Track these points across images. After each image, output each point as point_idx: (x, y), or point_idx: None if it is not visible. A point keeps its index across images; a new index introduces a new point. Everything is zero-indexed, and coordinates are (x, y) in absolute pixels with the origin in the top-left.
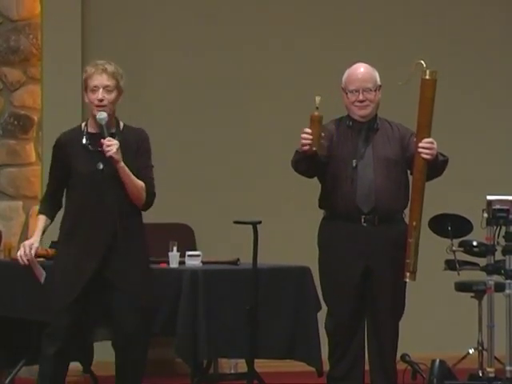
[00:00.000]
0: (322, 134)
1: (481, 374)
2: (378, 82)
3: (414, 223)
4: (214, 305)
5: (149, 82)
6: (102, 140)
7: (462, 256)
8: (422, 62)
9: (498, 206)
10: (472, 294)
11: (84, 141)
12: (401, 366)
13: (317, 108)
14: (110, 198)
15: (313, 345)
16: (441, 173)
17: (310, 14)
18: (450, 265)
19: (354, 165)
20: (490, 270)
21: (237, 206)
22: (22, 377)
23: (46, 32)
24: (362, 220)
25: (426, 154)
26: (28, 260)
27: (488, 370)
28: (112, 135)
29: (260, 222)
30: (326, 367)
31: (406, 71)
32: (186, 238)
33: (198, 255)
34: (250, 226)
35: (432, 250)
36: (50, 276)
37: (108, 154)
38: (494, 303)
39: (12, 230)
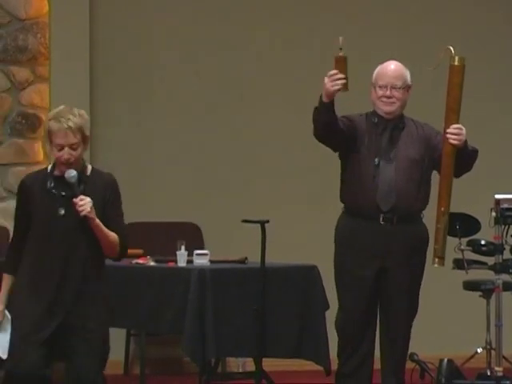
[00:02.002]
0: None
1: (489, 373)
2: (408, 82)
3: (443, 209)
4: (222, 304)
5: (156, 82)
6: (74, 199)
7: (470, 255)
8: (451, 47)
9: (506, 205)
10: (480, 293)
11: (48, 184)
12: (409, 365)
13: (340, 49)
14: (72, 245)
15: (321, 344)
16: (471, 164)
17: (324, 9)
18: (458, 264)
19: (377, 163)
20: (498, 268)
21: (245, 205)
22: None
23: (54, 31)
24: (381, 219)
25: (454, 139)
26: None
27: (496, 369)
28: (79, 180)
29: (268, 221)
30: (334, 366)
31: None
32: (193, 237)
33: (205, 254)
34: (258, 225)
35: None
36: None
37: (82, 213)
38: (502, 302)
39: None
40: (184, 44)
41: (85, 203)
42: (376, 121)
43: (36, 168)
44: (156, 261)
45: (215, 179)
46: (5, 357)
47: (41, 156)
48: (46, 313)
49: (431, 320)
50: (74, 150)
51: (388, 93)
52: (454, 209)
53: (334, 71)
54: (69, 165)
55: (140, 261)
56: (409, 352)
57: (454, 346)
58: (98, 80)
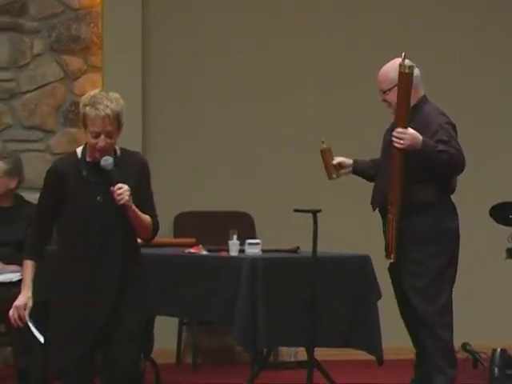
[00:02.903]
0: (334, 162)
1: None
2: (392, 82)
3: (389, 207)
4: (274, 293)
5: (208, 70)
6: (112, 188)
7: None
8: (403, 53)
9: None
10: None
11: (83, 171)
12: (462, 355)
13: (322, 142)
14: (110, 232)
15: (373, 333)
16: (440, 164)
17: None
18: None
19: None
20: None
21: (297, 194)
22: None
23: (107, 20)
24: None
25: (397, 142)
26: (23, 323)
27: None
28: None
29: (320, 211)
30: (386, 356)
31: None
32: (246, 227)
33: (257, 243)
34: (310, 215)
35: (493, 238)
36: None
37: (120, 202)
38: None
39: None
40: (235, 34)
41: (123, 192)
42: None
43: None
44: (208, 250)
45: (268, 168)
46: (42, 341)
47: None
48: (87, 310)
49: (484, 310)
50: (110, 137)
51: (381, 98)
52: (507, 198)
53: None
54: (104, 152)
55: (192, 250)
56: (462, 342)
57: (508, 335)
58: (150, 69)
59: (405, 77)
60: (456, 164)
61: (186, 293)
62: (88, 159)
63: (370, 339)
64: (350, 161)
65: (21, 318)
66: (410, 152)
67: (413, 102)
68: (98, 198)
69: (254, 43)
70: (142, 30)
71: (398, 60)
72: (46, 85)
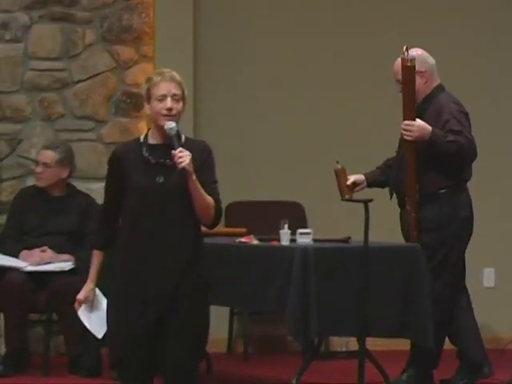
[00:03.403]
0: (348, 183)
1: None
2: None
3: (406, 198)
4: (325, 282)
5: (259, 59)
6: (173, 151)
7: None
8: (404, 47)
9: None
10: None
11: (144, 152)
12: None
13: (337, 162)
14: (171, 214)
15: (424, 323)
16: (457, 155)
17: None
18: None
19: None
20: None
21: None
22: None
23: (159, 10)
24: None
25: (405, 135)
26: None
27: None
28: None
29: (371, 200)
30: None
31: None
32: (297, 216)
33: (309, 233)
34: (362, 204)
35: None
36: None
37: (181, 165)
38: None
39: None
40: (287, 23)
41: (184, 155)
42: None
43: None
44: (259, 239)
45: (319, 158)
46: (99, 336)
47: None
48: (144, 295)
49: None
50: (176, 101)
51: (397, 88)
52: None
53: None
54: (170, 117)
55: (243, 239)
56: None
57: None
58: (202, 59)
59: (408, 69)
60: (466, 154)
61: (237, 282)
62: (150, 142)
63: (421, 329)
64: (362, 177)
65: (83, 314)
66: (420, 143)
67: (427, 91)
68: (158, 178)
69: (307, 31)
70: (194, 20)
71: (414, 50)
72: (97, 74)
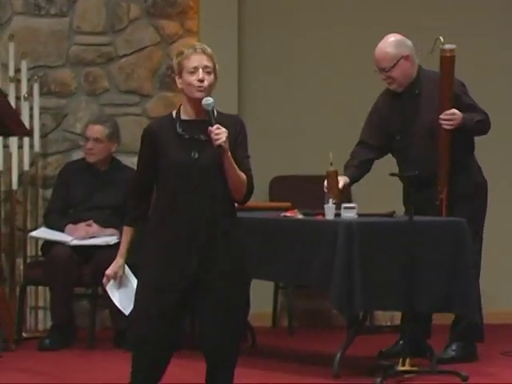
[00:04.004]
0: (340, 186)
1: None
2: (397, 57)
3: (439, 188)
4: (370, 257)
5: (304, 35)
6: (210, 128)
7: None
8: (441, 38)
9: None
10: None
11: (178, 128)
12: None
13: (331, 164)
14: (206, 190)
15: (470, 297)
16: (481, 132)
17: None
18: None
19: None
20: None
21: (393, 158)
22: None
23: None
24: None
25: (447, 124)
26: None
27: None
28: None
29: (415, 175)
30: (484, 320)
31: None
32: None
33: (353, 207)
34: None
35: None
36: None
37: (217, 142)
38: None
39: None
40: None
41: (221, 132)
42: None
43: None
44: (304, 214)
45: None
46: (127, 313)
47: None
48: (173, 271)
49: None
50: (208, 74)
51: (383, 76)
52: None
53: (325, 185)
54: (202, 89)
55: (288, 214)
56: None
57: None
58: (246, 33)
59: (448, 60)
60: (488, 127)
61: (281, 257)
62: (183, 117)
63: (467, 304)
64: (347, 179)
65: (111, 290)
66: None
67: (414, 74)
68: (193, 154)
69: (347, 12)
70: None
71: (392, 36)
72: (142, 49)
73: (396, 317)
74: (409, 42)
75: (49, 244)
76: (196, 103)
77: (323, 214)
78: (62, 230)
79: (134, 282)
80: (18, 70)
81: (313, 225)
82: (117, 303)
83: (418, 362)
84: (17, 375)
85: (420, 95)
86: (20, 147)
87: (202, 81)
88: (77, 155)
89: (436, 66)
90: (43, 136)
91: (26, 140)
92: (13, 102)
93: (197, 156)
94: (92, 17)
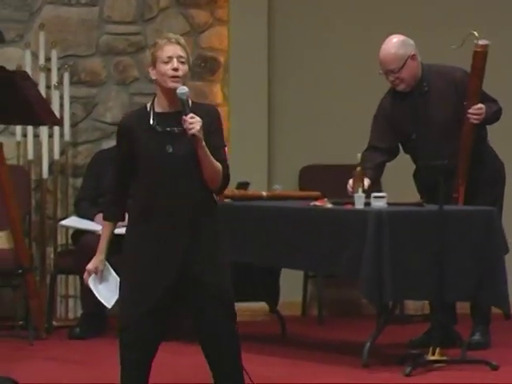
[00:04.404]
0: (366, 186)
1: None
2: (404, 58)
3: (460, 180)
4: (400, 246)
5: (334, 23)
6: (184, 117)
7: None
8: (475, 32)
9: None
10: None
11: (151, 121)
12: None
13: (358, 165)
14: (182, 184)
15: (500, 287)
16: (497, 120)
17: None
18: None
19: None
20: None
21: None
22: None
23: None
24: None
25: (475, 119)
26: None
27: None
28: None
29: (446, 163)
30: None
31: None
32: None
33: (383, 197)
34: None
35: None
36: (123, 273)
37: (191, 132)
38: None
39: None
40: None
41: (195, 121)
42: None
43: None
44: (333, 203)
45: None
46: (109, 306)
47: (219, 98)
48: (158, 265)
49: None
50: (183, 64)
51: (391, 78)
52: None
53: (350, 184)
54: (176, 79)
55: (317, 203)
56: None
57: None
58: (276, 21)
59: (481, 55)
60: (500, 116)
61: (311, 246)
62: (157, 110)
63: (497, 293)
64: (369, 180)
65: (89, 283)
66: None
67: (420, 71)
68: (167, 147)
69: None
70: None
71: (395, 37)
72: None
73: (426, 306)
74: (412, 41)
75: (79, 233)
76: (170, 94)
77: (353, 203)
78: (92, 219)
79: (115, 275)
80: (48, 59)
81: (342, 214)
82: (99, 297)
83: (448, 351)
84: (47, 363)
85: (429, 91)
86: (50, 136)
87: (176, 69)
88: (107, 144)
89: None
90: (73, 125)
91: (57, 129)
92: (43, 91)
93: (171, 150)
94: (122, 6)
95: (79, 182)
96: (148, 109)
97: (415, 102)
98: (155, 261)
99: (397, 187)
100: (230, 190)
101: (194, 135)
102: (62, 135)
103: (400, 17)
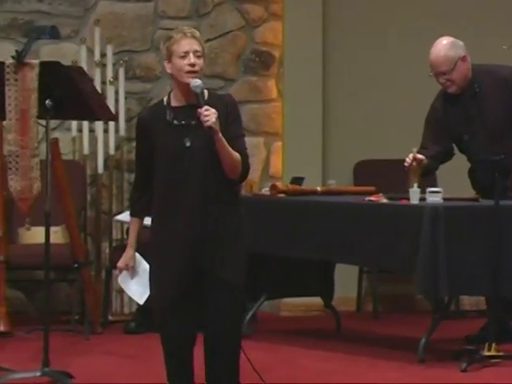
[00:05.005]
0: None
1: None
2: (455, 60)
3: None
4: (455, 241)
5: (389, 19)
6: (199, 109)
7: None
8: None
9: None
10: None
11: (168, 116)
12: None
13: (414, 159)
14: (201, 176)
15: None
16: None
17: None
18: None
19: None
20: None
21: None
22: (264, 311)
23: None
24: None
25: None
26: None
27: None
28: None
29: (502, 159)
30: None
31: None
32: None
33: (439, 192)
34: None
35: None
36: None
37: (206, 124)
38: None
39: (253, 166)
40: None
41: (210, 113)
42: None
43: (269, 106)
44: (388, 198)
45: None
46: (141, 302)
47: (274, 93)
48: (178, 258)
49: None
50: (199, 58)
51: (442, 80)
52: None
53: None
54: (193, 74)
55: (372, 198)
56: None
57: None
58: (331, 17)
59: None
60: None
61: (366, 241)
62: (173, 104)
63: None
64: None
65: (121, 280)
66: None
67: (470, 73)
68: (185, 141)
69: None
70: None
71: (445, 39)
72: (226, 33)
73: (482, 301)
74: (461, 43)
75: None
76: (186, 88)
77: (408, 199)
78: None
79: (146, 266)
80: (103, 55)
81: (397, 209)
82: (131, 295)
83: (504, 347)
84: (103, 358)
85: (480, 92)
86: (105, 131)
87: (193, 65)
88: None
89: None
90: (128, 120)
91: (112, 124)
92: (98, 87)
93: (189, 143)
94: (177, 1)
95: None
96: (165, 103)
97: (467, 104)
98: (175, 253)
99: (452, 183)
100: (284, 184)
101: (210, 127)
102: (117, 130)
103: (451, 17)
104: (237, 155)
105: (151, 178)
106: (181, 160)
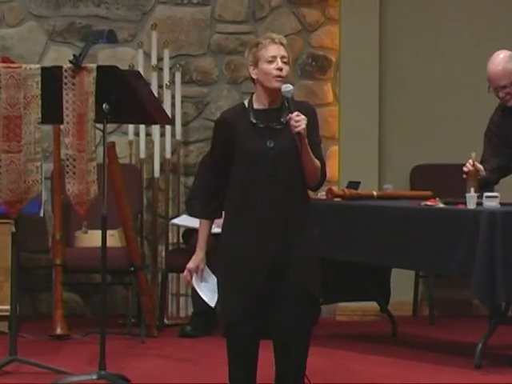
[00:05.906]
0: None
1: None
2: (511, 74)
3: None
4: None
5: (445, 22)
6: (290, 115)
7: None
8: None
9: None
10: None
11: (251, 117)
12: None
13: (473, 165)
14: (281, 178)
15: None
16: None
17: None
18: None
19: None
20: None
21: None
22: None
23: None
24: None
25: None
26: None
27: None
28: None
29: None
30: None
31: None
32: None
33: (495, 196)
34: None
35: None
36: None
37: (297, 129)
38: None
39: None
40: None
41: (301, 119)
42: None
43: (325, 110)
44: (445, 203)
45: None
46: (212, 305)
47: (330, 97)
48: (253, 263)
49: None
50: (285, 64)
51: (501, 94)
52: None
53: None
54: (281, 78)
55: (429, 203)
56: None
57: None
58: (388, 20)
59: None
60: None
61: (422, 246)
62: (256, 107)
63: None
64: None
65: (191, 283)
66: None
67: None
68: (269, 142)
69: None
70: None
71: (502, 52)
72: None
73: None
74: None
75: (190, 231)
76: (271, 92)
77: (465, 203)
78: None
79: (213, 276)
80: (160, 59)
81: (454, 214)
82: (203, 296)
83: None
84: (158, 361)
85: None
86: (162, 135)
87: (280, 69)
88: None
89: None
90: (185, 124)
91: (168, 128)
92: (155, 91)
93: (272, 145)
94: (233, 5)
95: (190, 180)
96: (247, 106)
97: None
98: (251, 258)
99: (508, 188)
100: (341, 189)
101: (299, 133)
102: (173, 134)
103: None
104: (318, 162)
105: (225, 180)
106: (264, 161)
